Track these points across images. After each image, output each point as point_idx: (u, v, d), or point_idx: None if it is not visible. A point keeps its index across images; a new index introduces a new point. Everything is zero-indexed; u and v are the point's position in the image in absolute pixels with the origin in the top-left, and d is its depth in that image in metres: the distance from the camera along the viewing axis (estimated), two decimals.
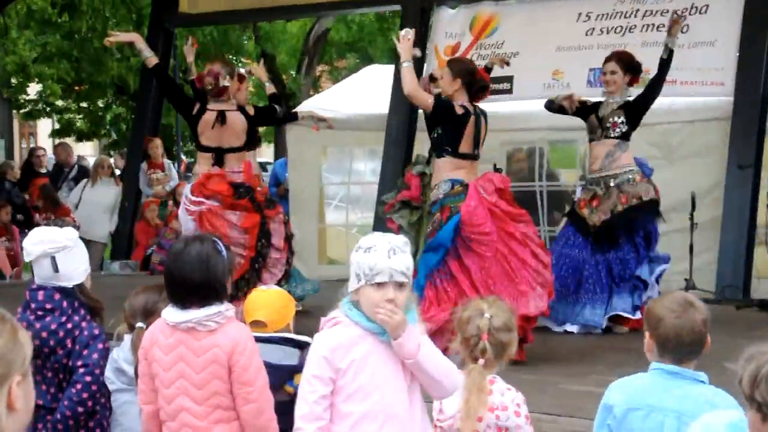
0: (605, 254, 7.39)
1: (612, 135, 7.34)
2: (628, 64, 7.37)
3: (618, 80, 7.33)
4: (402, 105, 10.35)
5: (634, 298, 7.34)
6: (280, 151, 16.31)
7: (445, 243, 6.06)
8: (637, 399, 3.10)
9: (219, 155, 6.96)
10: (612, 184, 7.34)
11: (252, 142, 7.36)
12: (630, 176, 7.36)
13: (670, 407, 2.99)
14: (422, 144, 10.62)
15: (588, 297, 7.33)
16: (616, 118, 7.33)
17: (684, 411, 2.96)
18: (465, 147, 6.20)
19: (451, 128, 6.16)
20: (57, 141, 23.55)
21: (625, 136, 7.37)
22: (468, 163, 6.22)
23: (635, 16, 9.49)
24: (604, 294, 7.31)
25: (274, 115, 7.55)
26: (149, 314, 3.69)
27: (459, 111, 6.16)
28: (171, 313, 3.19)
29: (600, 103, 7.49)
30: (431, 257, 6.11)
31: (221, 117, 6.93)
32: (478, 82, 6.26)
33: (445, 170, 6.19)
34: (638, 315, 7.19)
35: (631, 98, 7.40)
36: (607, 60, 7.46)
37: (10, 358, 1.79)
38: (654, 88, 7.36)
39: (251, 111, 7.20)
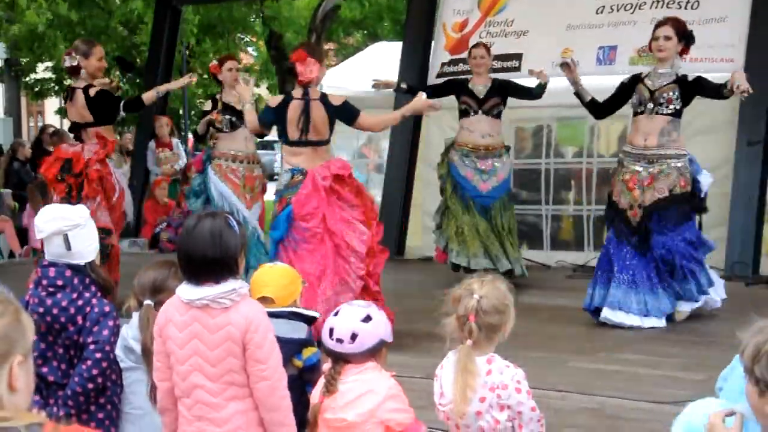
0: (660, 237, 6.80)
1: (665, 111, 6.80)
2: (683, 32, 6.87)
3: (671, 47, 6.80)
4: (410, 83, 10.30)
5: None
6: None
7: (276, 237, 6.18)
8: None
9: (72, 130, 7.58)
10: (673, 165, 6.78)
11: (103, 118, 7.33)
12: (686, 163, 6.84)
13: None
14: (431, 121, 10.63)
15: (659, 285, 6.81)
16: (671, 94, 6.79)
17: None
18: (291, 134, 6.24)
19: (277, 119, 6.33)
20: (65, 119, 23.59)
21: (677, 114, 6.84)
22: (306, 149, 6.23)
23: None
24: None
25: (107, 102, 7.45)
26: (158, 291, 3.69)
27: (273, 104, 6.41)
28: (185, 291, 3.19)
29: (639, 75, 7.02)
30: (271, 249, 6.31)
31: (68, 94, 7.50)
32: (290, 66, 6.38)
33: (287, 159, 6.35)
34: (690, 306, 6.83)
35: (686, 75, 6.82)
36: (660, 24, 6.93)
37: (13, 338, 1.81)
38: (717, 92, 6.76)
39: (91, 92, 7.32)
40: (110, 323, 3.79)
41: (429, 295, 6.33)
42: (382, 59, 11.83)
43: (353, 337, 3.23)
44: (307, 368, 3.62)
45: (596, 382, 5.27)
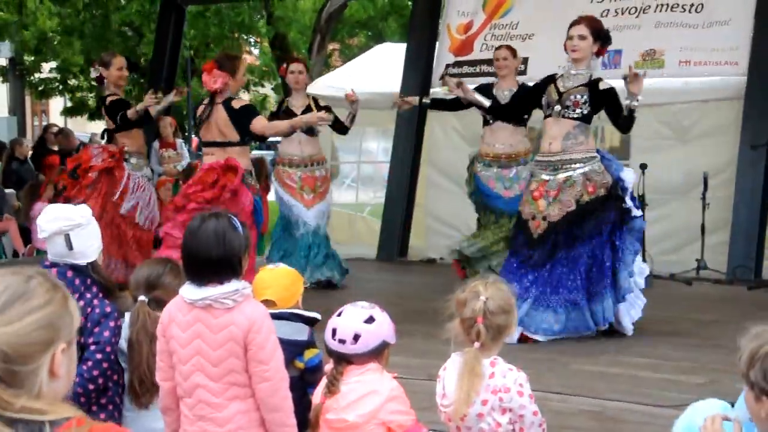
0: (569, 251, 6.40)
1: (572, 115, 6.45)
2: (599, 31, 6.52)
3: (586, 47, 6.46)
4: (413, 84, 10.34)
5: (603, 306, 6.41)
6: None
7: None
8: None
9: (106, 135, 8.42)
10: (578, 171, 6.41)
11: (120, 126, 7.92)
12: (596, 165, 6.44)
13: None
14: (434, 123, 10.63)
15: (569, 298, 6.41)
16: (578, 97, 6.44)
17: None
18: (204, 135, 6.92)
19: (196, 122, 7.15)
20: (69, 119, 23.63)
21: (585, 119, 6.49)
22: (214, 149, 6.85)
23: None
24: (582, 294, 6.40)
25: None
26: (152, 287, 3.69)
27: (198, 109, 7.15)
28: (188, 291, 3.20)
29: (554, 76, 6.71)
30: None
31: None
32: None
33: None
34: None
35: (599, 79, 6.51)
36: (575, 23, 6.58)
37: (59, 325, 1.82)
38: (617, 117, 6.48)
39: (107, 101, 7.99)
40: (111, 324, 3.79)
41: (432, 297, 6.36)
42: (387, 60, 11.84)
43: (356, 337, 3.23)
44: (308, 370, 3.62)
45: (597, 385, 5.27)
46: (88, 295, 3.81)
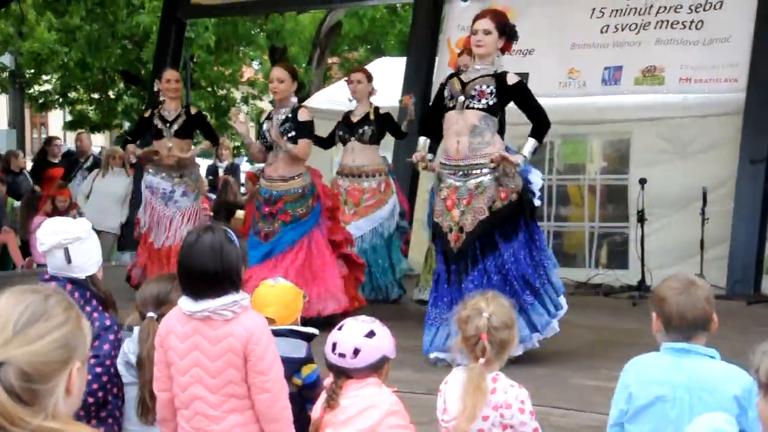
0: (483, 263, 5.98)
1: (476, 106, 6.00)
2: (504, 26, 6.10)
3: (491, 42, 6.03)
4: (413, 97, 10.32)
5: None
6: None
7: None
8: (648, 376, 3.17)
9: None
10: (489, 177, 6.01)
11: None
12: (508, 167, 5.99)
13: (680, 382, 3.07)
14: None
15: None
16: (484, 87, 6.00)
17: (694, 385, 3.04)
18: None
19: None
20: (69, 132, 23.67)
21: (491, 111, 6.01)
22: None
23: (649, 13, 9.47)
24: None
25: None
26: (161, 304, 3.69)
27: None
28: (186, 303, 3.20)
29: (456, 72, 6.38)
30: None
31: None
32: None
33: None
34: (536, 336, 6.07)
35: (506, 73, 6.10)
36: (479, 17, 6.11)
37: (74, 345, 1.85)
38: (531, 112, 6.15)
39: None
40: (111, 337, 3.78)
41: None
42: (386, 74, 11.84)
43: (356, 352, 3.22)
44: (306, 386, 3.62)
45: (598, 400, 5.25)
46: (88, 309, 3.80)
